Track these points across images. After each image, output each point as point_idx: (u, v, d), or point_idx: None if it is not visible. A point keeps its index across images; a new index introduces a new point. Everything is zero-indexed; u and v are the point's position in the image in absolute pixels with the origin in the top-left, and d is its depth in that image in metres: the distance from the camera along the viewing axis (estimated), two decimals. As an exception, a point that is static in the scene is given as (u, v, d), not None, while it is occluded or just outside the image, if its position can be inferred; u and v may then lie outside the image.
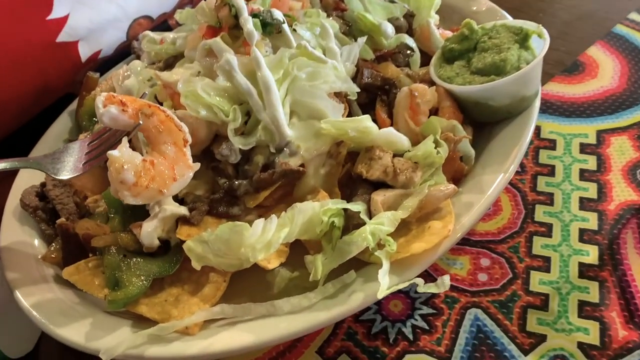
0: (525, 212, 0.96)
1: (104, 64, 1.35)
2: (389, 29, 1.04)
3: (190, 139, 0.82)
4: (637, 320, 0.80)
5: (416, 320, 0.86)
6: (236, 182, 0.86)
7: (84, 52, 1.29)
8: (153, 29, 1.33)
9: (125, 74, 1.04)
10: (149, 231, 0.82)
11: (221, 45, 0.88)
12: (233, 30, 0.92)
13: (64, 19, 1.22)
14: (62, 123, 1.20)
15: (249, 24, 0.88)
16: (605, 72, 1.18)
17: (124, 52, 1.35)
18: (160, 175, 0.80)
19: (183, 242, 0.80)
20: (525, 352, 0.79)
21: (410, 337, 0.84)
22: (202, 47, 0.90)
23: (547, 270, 0.88)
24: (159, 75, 0.89)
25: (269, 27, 0.91)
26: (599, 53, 1.22)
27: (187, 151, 0.82)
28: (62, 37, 1.22)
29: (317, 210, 0.78)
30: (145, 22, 1.38)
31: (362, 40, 1.00)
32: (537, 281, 0.87)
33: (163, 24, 1.48)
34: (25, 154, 1.15)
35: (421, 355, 0.82)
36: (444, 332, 0.84)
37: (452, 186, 0.83)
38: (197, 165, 0.83)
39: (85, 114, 1.10)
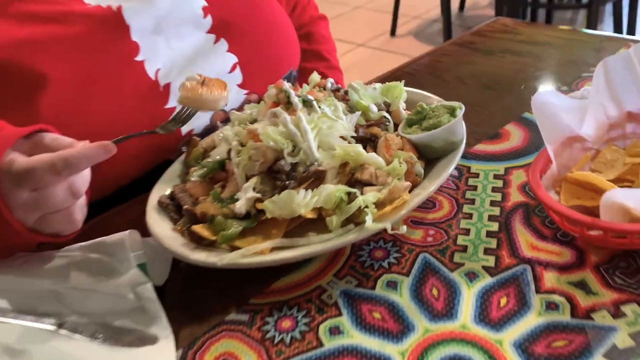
0: (457, 207, 1.60)
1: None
2: (375, 108, 1.76)
3: None
4: (516, 255, 1.41)
5: (390, 260, 1.46)
6: (287, 182, 1.52)
7: (184, 130, 2.00)
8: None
9: (221, 133, 1.76)
10: (239, 206, 1.47)
11: (280, 111, 1.60)
12: (287, 105, 1.64)
13: (174, 108, 1.96)
14: (174, 169, 1.88)
15: (296, 100, 1.61)
16: (515, 137, 1.86)
17: (209, 131, 2.08)
18: None
19: (259, 211, 1.45)
20: (451, 271, 1.40)
21: (387, 267, 1.44)
22: (269, 113, 1.62)
23: (468, 234, 1.49)
24: (248, 126, 1.61)
25: (306, 103, 1.64)
26: (512, 128, 1.91)
27: None
28: None
29: (333, 189, 1.43)
30: (222, 113, 2.12)
31: (358, 113, 1.71)
32: (461, 240, 1.48)
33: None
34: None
35: (392, 274, 1.42)
36: (406, 263, 1.44)
37: (407, 183, 1.49)
38: None
39: (192, 159, 1.80)
